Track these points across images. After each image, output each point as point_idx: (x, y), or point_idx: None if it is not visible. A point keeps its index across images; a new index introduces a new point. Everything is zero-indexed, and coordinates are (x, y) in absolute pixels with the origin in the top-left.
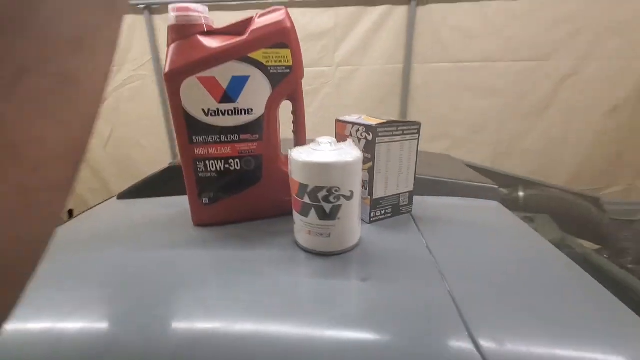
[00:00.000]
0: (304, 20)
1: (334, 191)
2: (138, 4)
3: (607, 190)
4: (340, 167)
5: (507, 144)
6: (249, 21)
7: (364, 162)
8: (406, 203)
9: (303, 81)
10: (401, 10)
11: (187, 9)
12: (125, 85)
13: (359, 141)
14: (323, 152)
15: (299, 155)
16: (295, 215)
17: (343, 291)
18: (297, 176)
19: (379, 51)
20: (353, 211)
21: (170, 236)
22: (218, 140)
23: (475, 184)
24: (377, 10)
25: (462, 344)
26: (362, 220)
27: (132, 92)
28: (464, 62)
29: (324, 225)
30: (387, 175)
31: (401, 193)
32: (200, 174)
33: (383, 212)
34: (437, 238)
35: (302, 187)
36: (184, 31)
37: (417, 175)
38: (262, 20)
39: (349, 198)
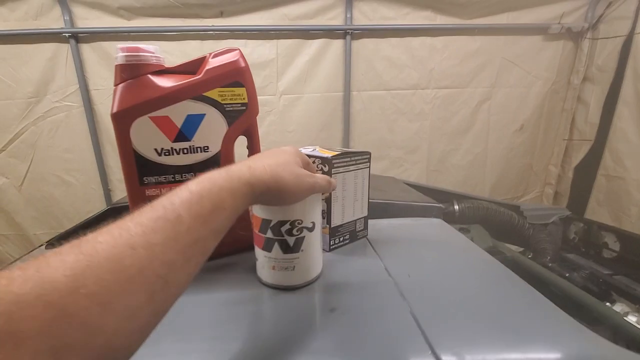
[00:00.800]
0: (246, 51)
1: (296, 224)
2: (62, 32)
3: (523, 198)
4: (302, 201)
5: (437, 162)
6: (201, 61)
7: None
8: (362, 228)
9: None
10: (338, 43)
11: (138, 49)
12: (46, 117)
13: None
14: None
15: None
16: (258, 251)
17: (313, 324)
18: (258, 212)
19: (320, 80)
20: (316, 241)
21: None
22: (172, 180)
23: (421, 203)
24: (315, 43)
25: None
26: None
27: (54, 125)
28: (396, 89)
29: (288, 258)
30: (343, 203)
31: (357, 219)
32: None
33: (341, 239)
34: (393, 259)
35: (265, 222)
36: (134, 71)
37: (371, 200)
38: (217, 60)
39: (311, 229)
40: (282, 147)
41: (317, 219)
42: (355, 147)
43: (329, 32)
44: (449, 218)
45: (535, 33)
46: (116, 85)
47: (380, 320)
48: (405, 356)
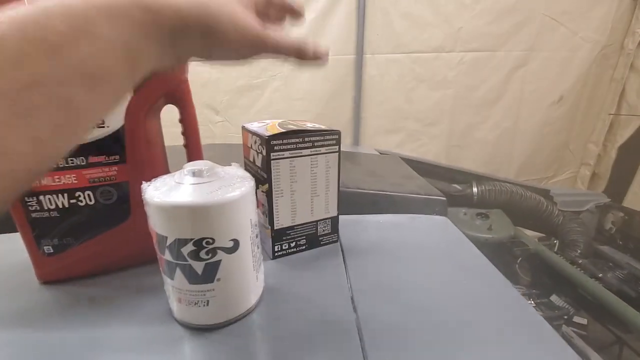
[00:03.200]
0: None
1: (204, 244)
2: None
3: (555, 179)
4: (207, 211)
5: (459, 136)
6: None
7: (262, 183)
8: (328, 231)
9: (248, 74)
10: None
11: None
12: None
13: (257, 155)
14: (184, 187)
15: (154, 192)
16: (163, 275)
17: None
18: (154, 223)
19: (329, 41)
20: (242, 265)
21: (8, 304)
22: (58, 166)
23: (422, 196)
24: None
25: None
26: (266, 253)
27: None
28: (416, 52)
29: (198, 291)
30: (293, 199)
31: (319, 220)
32: (33, 214)
33: (293, 244)
34: (366, 282)
35: (161, 239)
36: None
37: (356, 189)
38: None
39: (231, 250)
40: None
41: (243, 233)
42: (367, 117)
43: None
44: (467, 202)
45: None
46: None
47: None
48: None
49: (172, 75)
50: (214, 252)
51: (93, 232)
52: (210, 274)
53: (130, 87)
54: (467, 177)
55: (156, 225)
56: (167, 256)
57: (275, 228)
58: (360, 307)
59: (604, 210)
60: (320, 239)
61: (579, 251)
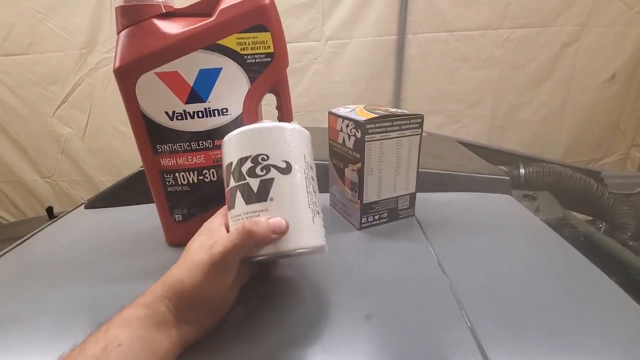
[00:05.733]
0: None
1: (260, 160)
2: None
3: (603, 161)
4: (265, 131)
5: (503, 117)
6: None
7: (353, 162)
8: (406, 207)
9: (290, 57)
10: None
11: None
12: (98, 68)
13: (349, 137)
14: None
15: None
16: (228, 214)
17: (345, 336)
18: (224, 159)
19: (371, 22)
20: (294, 192)
21: (142, 261)
22: (188, 149)
23: (486, 175)
24: None
25: None
26: (352, 225)
27: (106, 76)
28: (461, 30)
29: (252, 211)
30: (380, 176)
31: (399, 196)
32: (169, 189)
33: (377, 217)
34: (448, 250)
35: (227, 169)
36: (136, 14)
37: (423, 169)
38: None
39: (284, 171)
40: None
41: (296, 162)
42: (406, 100)
43: None
44: (513, 183)
45: None
46: (118, 32)
47: (429, 336)
48: None
49: (275, 69)
50: (267, 168)
51: (213, 204)
52: (264, 191)
53: None
54: (513, 159)
55: (227, 158)
56: (232, 184)
57: (363, 202)
58: (448, 272)
59: None
60: (399, 213)
61: (629, 234)
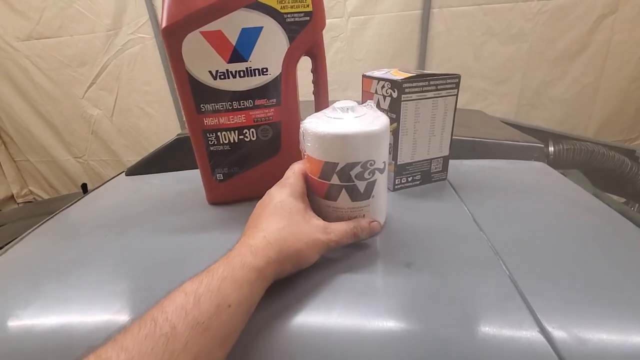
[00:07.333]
0: None
1: (368, 165)
2: None
3: (637, 142)
4: (379, 136)
5: (532, 94)
6: None
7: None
8: (439, 169)
9: None
10: None
11: None
12: (124, 50)
13: (384, 99)
14: (345, 121)
15: (325, 127)
16: (318, 200)
17: (386, 280)
18: (319, 154)
19: None
20: (384, 184)
21: (186, 217)
22: (230, 108)
23: (519, 143)
24: None
25: (532, 338)
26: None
27: (132, 58)
28: (490, 3)
29: (357, 207)
30: (415, 137)
31: (433, 158)
32: (211, 148)
33: (410, 179)
34: (483, 209)
35: (329, 166)
36: None
37: (454, 136)
38: None
39: (382, 170)
40: (271, 191)
41: (387, 155)
42: None
43: None
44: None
45: None
46: None
47: (468, 282)
48: (503, 327)
49: (313, 30)
50: (373, 172)
51: (252, 163)
52: (368, 191)
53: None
54: (543, 136)
55: (327, 154)
56: (334, 180)
57: (398, 163)
58: (484, 228)
59: None
60: (432, 175)
61: None
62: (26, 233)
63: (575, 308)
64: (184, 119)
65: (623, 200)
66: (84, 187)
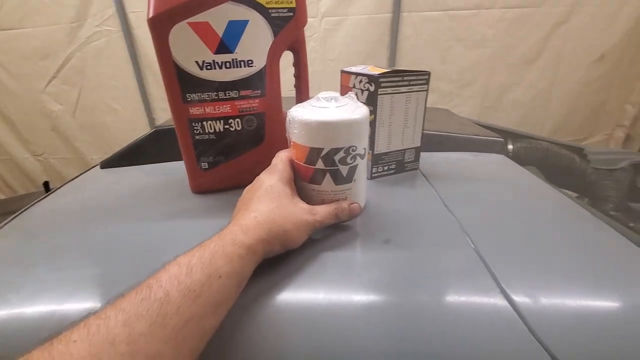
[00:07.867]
0: None
1: (351, 151)
2: None
3: (587, 141)
4: (361, 124)
5: (494, 97)
6: None
7: None
8: (412, 159)
9: None
10: None
11: None
12: (89, 43)
13: (362, 92)
14: (332, 109)
15: (311, 115)
16: (304, 185)
17: (367, 256)
18: (305, 140)
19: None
20: (364, 170)
21: (168, 205)
22: (216, 98)
23: (482, 137)
24: None
25: (495, 301)
26: None
27: (97, 51)
28: (455, 9)
29: (340, 190)
30: (390, 129)
31: (406, 149)
32: (197, 137)
33: (386, 168)
34: (451, 194)
35: (314, 151)
36: None
37: (424, 131)
38: None
39: (363, 156)
40: (261, 177)
41: (367, 143)
42: None
43: None
44: None
45: None
46: None
47: (440, 255)
48: (470, 294)
49: (295, 25)
50: (354, 157)
51: (237, 153)
52: (350, 175)
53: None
54: (503, 135)
55: (312, 140)
56: (319, 165)
57: (375, 152)
58: (453, 210)
59: (638, 169)
60: (405, 165)
61: (611, 205)
62: None
63: (532, 274)
64: (154, 112)
65: (576, 195)
66: (46, 185)
